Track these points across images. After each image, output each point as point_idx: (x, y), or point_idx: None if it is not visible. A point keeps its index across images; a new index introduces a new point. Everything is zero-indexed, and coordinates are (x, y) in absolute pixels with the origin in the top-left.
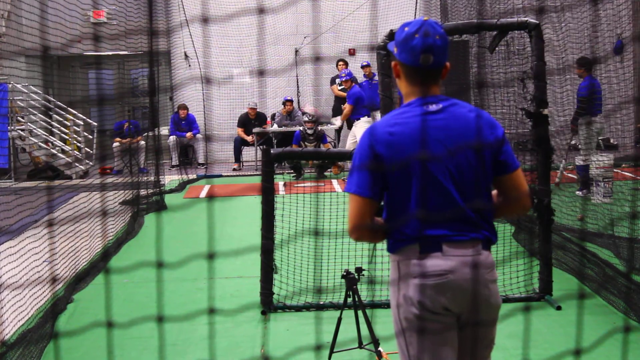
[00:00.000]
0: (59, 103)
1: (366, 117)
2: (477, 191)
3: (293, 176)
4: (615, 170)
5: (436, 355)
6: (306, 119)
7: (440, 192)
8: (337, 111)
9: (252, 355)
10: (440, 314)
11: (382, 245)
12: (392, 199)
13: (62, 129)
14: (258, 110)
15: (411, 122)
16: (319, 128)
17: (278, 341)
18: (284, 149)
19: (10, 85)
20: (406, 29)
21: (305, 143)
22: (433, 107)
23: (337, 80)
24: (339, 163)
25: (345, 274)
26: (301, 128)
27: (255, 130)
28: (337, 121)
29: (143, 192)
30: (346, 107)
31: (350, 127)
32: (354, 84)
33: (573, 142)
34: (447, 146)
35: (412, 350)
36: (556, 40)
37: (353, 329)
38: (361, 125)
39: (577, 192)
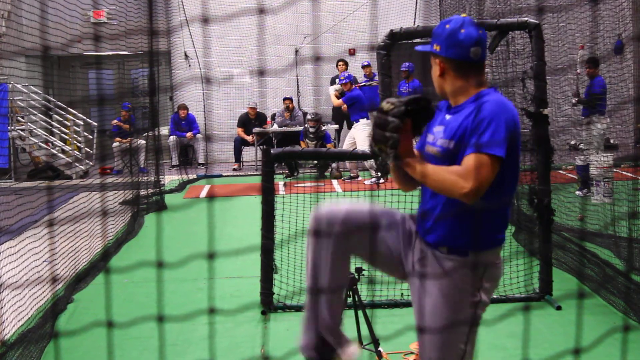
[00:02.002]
0: (59, 103)
1: (365, 119)
2: None
3: (286, 175)
4: (615, 170)
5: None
6: (309, 117)
7: None
8: (337, 111)
9: (252, 355)
10: None
11: None
12: (500, 182)
13: (62, 129)
14: (258, 110)
15: None
16: (322, 128)
17: (278, 341)
18: (284, 149)
19: (10, 85)
20: (447, 26)
21: (307, 141)
22: None
23: (337, 81)
24: (340, 169)
25: None
26: (305, 125)
27: (255, 130)
28: (332, 90)
29: (143, 192)
30: (338, 102)
31: (350, 127)
32: (354, 86)
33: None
34: None
35: (470, 346)
36: (553, 41)
37: (353, 329)
38: (360, 128)
39: (577, 192)
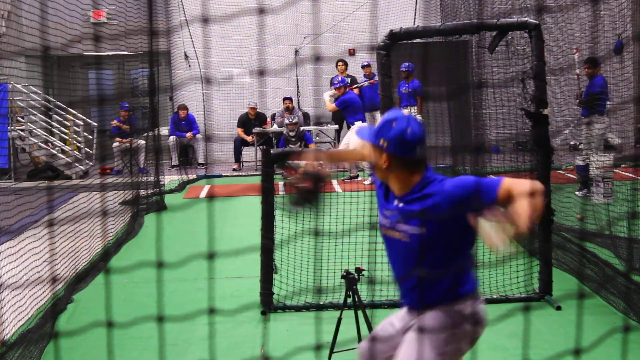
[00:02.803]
0: (59, 103)
1: (360, 121)
2: None
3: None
4: (615, 170)
5: None
6: (287, 121)
7: None
8: (336, 113)
9: (252, 355)
10: None
11: (381, 245)
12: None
13: (62, 129)
14: (258, 110)
15: None
16: (301, 129)
17: (278, 341)
18: (284, 149)
19: (10, 85)
20: (394, 124)
21: (290, 145)
22: None
23: (347, 72)
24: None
25: (345, 274)
26: (284, 131)
27: (255, 130)
28: (326, 96)
29: (143, 192)
30: (332, 106)
31: (349, 127)
32: (348, 89)
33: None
34: None
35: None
36: (554, 41)
37: (353, 329)
38: (354, 130)
39: (577, 192)
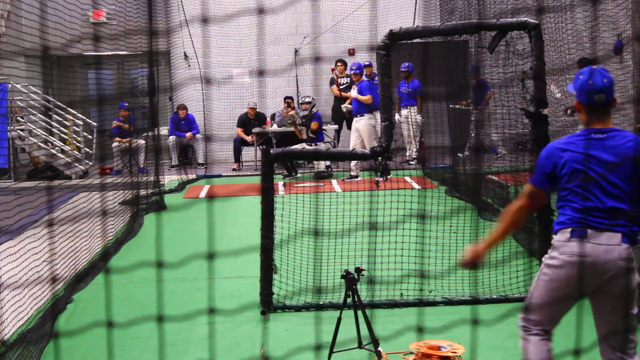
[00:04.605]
0: (58, 103)
1: (369, 114)
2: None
3: (284, 175)
4: None
5: None
6: (302, 100)
7: None
8: (336, 111)
9: (252, 355)
10: None
11: (381, 245)
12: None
13: (62, 129)
14: (257, 110)
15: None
16: (313, 110)
17: (278, 341)
18: (283, 149)
19: (10, 85)
20: (581, 77)
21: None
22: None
23: (346, 72)
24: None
25: (345, 274)
26: (296, 109)
27: (255, 130)
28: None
29: (143, 192)
30: (366, 98)
31: (349, 127)
32: (362, 77)
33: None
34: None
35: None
36: (552, 41)
37: (353, 329)
38: (364, 122)
39: None
